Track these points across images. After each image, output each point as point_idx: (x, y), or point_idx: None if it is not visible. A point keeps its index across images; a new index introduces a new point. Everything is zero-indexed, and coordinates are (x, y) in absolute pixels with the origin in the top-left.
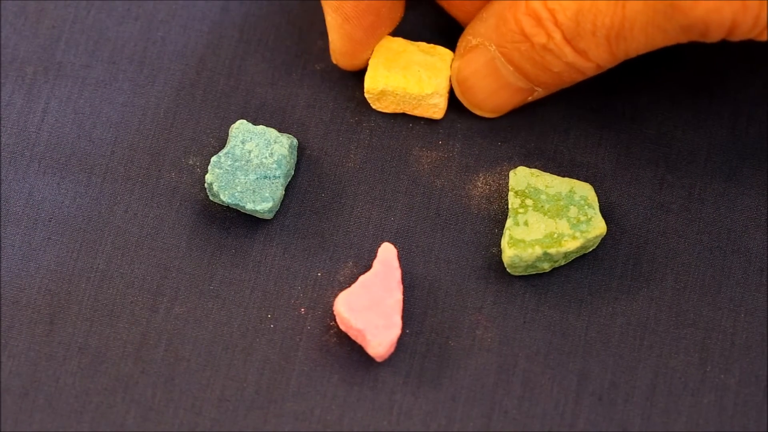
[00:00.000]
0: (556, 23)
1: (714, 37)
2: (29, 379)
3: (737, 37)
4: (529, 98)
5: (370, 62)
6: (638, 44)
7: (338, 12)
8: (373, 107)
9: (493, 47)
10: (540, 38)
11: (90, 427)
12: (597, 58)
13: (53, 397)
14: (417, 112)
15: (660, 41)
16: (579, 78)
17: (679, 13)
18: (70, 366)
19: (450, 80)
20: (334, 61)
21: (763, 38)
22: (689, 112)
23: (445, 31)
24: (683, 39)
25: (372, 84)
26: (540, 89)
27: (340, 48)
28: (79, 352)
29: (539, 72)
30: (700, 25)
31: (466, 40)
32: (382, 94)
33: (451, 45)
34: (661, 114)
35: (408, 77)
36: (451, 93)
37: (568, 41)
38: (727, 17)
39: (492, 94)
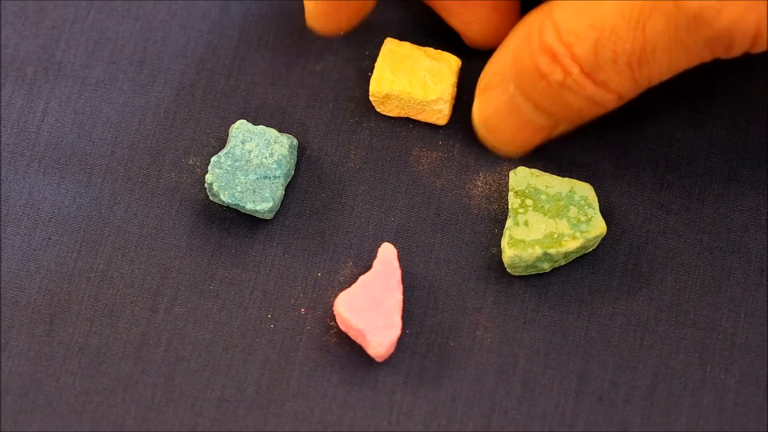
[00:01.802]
0: (573, 57)
1: (738, 49)
2: (29, 379)
3: (759, 47)
4: (554, 134)
5: (376, 65)
6: (661, 67)
7: None
8: (378, 110)
9: (512, 86)
10: (557, 75)
11: (90, 427)
12: (619, 87)
13: (53, 397)
14: (421, 117)
15: (684, 61)
16: (600, 112)
17: (704, 26)
18: (70, 366)
19: (455, 87)
20: (309, 25)
21: None
22: (689, 112)
23: (453, 38)
24: (707, 56)
25: (377, 87)
26: (563, 125)
27: (314, 8)
28: (79, 352)
29: (559, 109)
30: (725, 37)
31: (484, 80)
32: (387, 97)
33: (459, 52)
34: (661, 114)
35: (413, 82)
36: (456, 99)
37: (586, 74)
38: (751, 26)
39: (515, 133)
